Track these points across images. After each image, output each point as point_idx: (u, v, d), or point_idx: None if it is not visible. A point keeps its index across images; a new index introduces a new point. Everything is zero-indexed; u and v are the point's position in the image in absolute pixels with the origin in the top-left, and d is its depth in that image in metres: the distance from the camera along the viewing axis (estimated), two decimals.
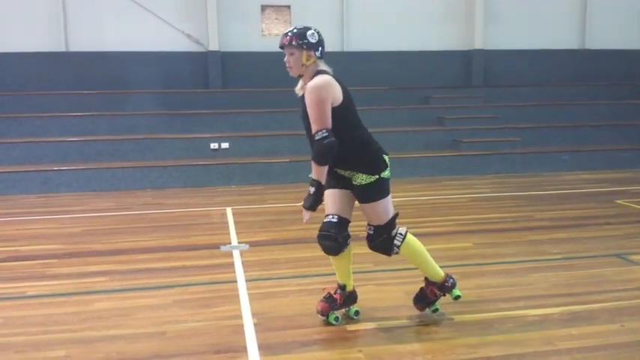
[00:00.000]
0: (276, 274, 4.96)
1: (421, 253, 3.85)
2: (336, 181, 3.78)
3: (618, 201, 7.96)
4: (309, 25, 3.69)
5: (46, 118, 11.19)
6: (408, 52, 13.55)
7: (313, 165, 3.57)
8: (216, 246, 5.90)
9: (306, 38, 3.60)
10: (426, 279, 3.91)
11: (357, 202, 3.79)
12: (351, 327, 3.80)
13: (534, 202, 8.03)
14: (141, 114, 11.61)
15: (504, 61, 14.02)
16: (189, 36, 12.92)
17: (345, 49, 13.57)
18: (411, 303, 4.02)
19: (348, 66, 13.15)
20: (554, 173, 10.57)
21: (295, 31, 3.62)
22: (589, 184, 9.45)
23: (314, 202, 3.58)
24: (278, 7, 13.34)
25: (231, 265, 5.25)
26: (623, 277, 4.78)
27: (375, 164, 3.69)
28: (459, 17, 13.98)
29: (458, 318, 3.90)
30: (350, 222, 3.80)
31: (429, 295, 3.91)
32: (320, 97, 3.51)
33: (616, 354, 3.38)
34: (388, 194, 3.74)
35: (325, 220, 3.75)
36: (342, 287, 3.89)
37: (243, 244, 5.94)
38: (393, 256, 3.85)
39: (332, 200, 3.78)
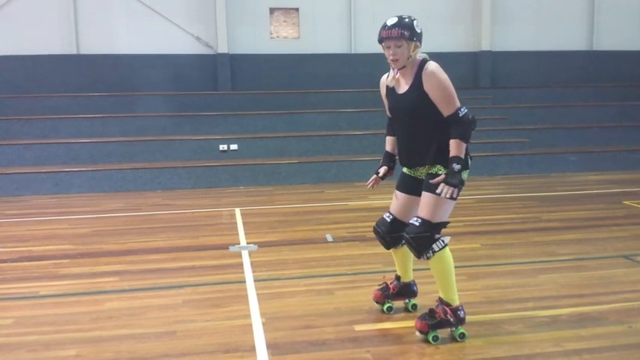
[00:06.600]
0: (285, 275, 4.99)
1: (450, 271, 3.54)
2: (411, 185, 3.73)
3: (626, 202, 7.94)
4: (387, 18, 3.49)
5: (58, 120, 11.31)
6: None
7: (456, 144, 3.50)
8: (225, 246, 5.94)
9: (415, 29, 3.46)
10: (440, 299, 3.59)
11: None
12: (359, 327, 3.81)
13: (542, 203, 8.03)
14: (151, 116, 11.72)
15: (512, 62, 14.04)
16: (198, 39, 13.00)
17: (353, 51, 13.61)
18: (418, 301, 4.06)
19: (356, 67, 13.29)
20: (562, 174, 10.57)
21: (405, 22, 3.44)
22: (597, 185, 9.43)
23: (461, 182, 3.47)
24: (286, 10, 13.40)
25: (240, 265, 5.29)
26: (632, 278, 4.77)
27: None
28: (466, 19, 14.00)
29: (466, 319, 3.91)
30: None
31: (437, 314, 3.54)
32: (446, 77, 3.42)
33: (624, 355, 3.38)
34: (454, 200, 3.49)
35: (382, 216, 3.85)
36: (398, 278, 4.01)
37: (252, 245, 5.98)
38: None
39: (397, 201, 3.81)
